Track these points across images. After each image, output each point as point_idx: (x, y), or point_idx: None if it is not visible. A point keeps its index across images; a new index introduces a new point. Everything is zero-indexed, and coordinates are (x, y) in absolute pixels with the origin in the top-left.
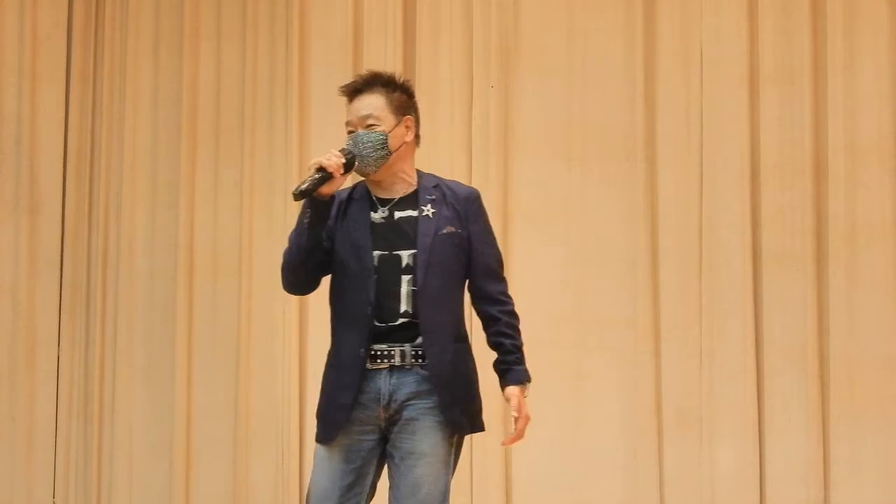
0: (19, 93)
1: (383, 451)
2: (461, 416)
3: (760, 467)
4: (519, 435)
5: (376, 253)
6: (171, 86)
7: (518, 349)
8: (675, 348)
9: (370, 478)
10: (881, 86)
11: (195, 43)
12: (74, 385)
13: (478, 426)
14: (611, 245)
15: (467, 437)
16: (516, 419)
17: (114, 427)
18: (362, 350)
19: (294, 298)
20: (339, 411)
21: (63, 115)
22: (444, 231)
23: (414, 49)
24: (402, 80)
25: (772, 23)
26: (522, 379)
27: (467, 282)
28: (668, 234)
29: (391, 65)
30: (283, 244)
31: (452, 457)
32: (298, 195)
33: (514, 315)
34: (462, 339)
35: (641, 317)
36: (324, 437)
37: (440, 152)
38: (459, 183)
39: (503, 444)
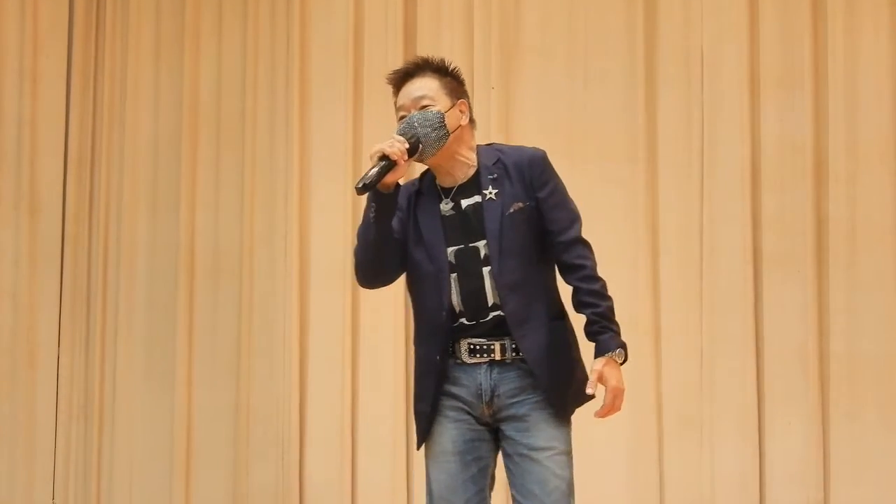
0: (20, 93)
1: (497, 445)
2: (571, 397)
3: (760, 468)
4: (608, 408)
5: (451, 249)
6: (172, 87)
7: (600, 317)
8: (675, 349)
9: (490, 470)
10: (882, 87)
11: (196, 43)
12: (75, 385)
13: (585, 398)
14: (611, 246)
15: None
16: (606, 392)
17: (114, 428)
18: (437, 357)
19: (294, 300)
20: (419, 419)
21: (64, 115)
22: (511, 210)
23: (415, 50)
24: (452, 66)
25: (773, 24)
26: (605, 349)
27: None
28: (668, 234)
29: (391, 66)
30: (284, 245)
31: (569, 444)
32: (361, 189)
33: (592, 279)
34: (558, 315)
35: (642, 318)
36: (419, 441)
37: None
38: (522, 148)
39: (595, 415)
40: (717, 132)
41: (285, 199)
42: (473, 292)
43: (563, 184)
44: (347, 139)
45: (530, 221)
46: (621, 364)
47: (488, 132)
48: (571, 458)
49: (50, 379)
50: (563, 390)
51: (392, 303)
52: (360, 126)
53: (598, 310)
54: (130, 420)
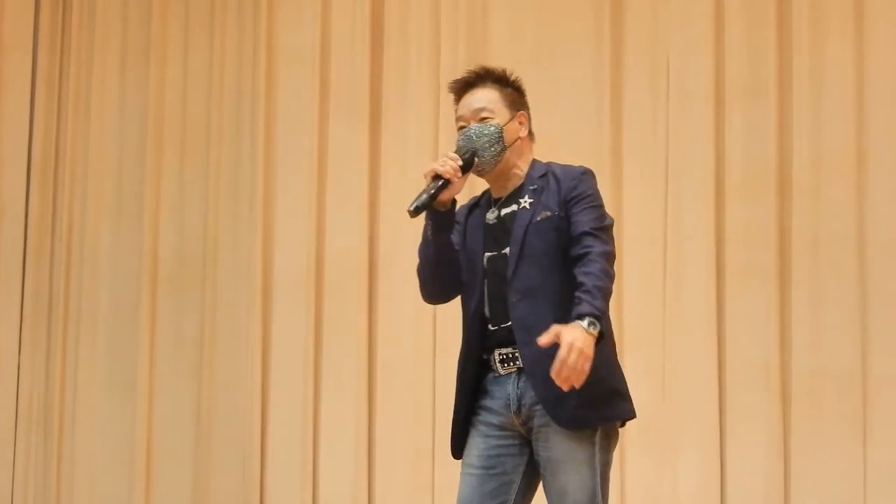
0: None
1: (531, 460)
2: (579, 409)
3: (722, 481)
4: (560, 361)
5: (487, 255)
6: (138, 94)
7: (584, 292)
8: (638, 362)
9: (516, 486)
10: (846, 100)
11: (162, 51)
12: (35, 393)
13: (613, 413)
14: None
15: None
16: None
17: (74, 436)
18: (465, 362)
19: (257, 309)
20: (452, 426)
21: (28, 122)
22: (539, 218)
23: (381, 60)
24: (513, 76)
25: (738, 37)
26: (574, 317)
27: None
28: (632, 247)
29: (358, 77)
30: (248, 254)
31: (598, 456)
32: (413, 212)
33: (590, 262)
34: None
35: None
36: (452, 453)
37: (408, 163)
38: (570, 166)
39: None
40: (682, 144)
41: (250, 209)
42: (499, 297)
43: (598, 197)
44: (313, 149)
45: (559, 231)
46: (595, 336)
47: (455, 140)
48: (597, 469)
49: (10, 386)
50: (561, 400)
51: (354, 312)
52: (325, 136)
53: (585, 286)
54: (91, 428)
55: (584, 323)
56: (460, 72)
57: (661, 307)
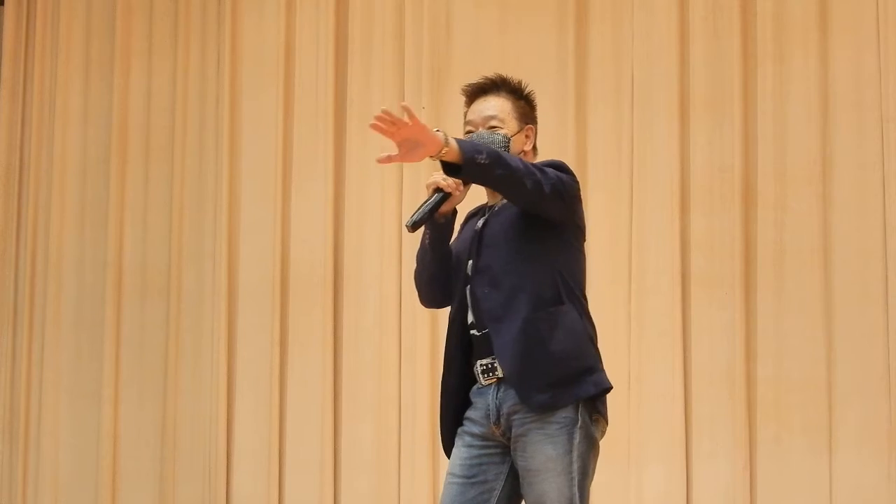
0: None
1: (514, 468)
2: (548, 389)
3: (687, 491)
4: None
5: (470, 262)
6: (102, 103)
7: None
8: None
9: (497, 493)
10: (811, 111)
11: (126, 60)
12: (0, 402)
13: (583, 391)
14: None
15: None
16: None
17: (39, 446)
18: (448, 366)
19: (222, 318)
20: (441, 432)
21: None
22: (500, 205)
23: (345, 69)
24: (527, 89)
25: (703, 47)
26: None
27: None
28: (596, 257)
29: (322, 85)
30: (213, 263)
31: (576, 464)
32: (412, 227)
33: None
34: (544, 306)
35: None
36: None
37: (371, 171)
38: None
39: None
40: (646, 155)
41: (214, 218)
42: (478, 301)
43: (553, 163)
44: (277, 157)
45: (521, 216)
46: (440, 147)
47: None
48: (575, 478)
49: None
50: (542, 378)
51: (320, 319)
52: (289, 145)
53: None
54: (56, 438)
55: (442, 133)
56: (425, 81)
57: (626, 317)
